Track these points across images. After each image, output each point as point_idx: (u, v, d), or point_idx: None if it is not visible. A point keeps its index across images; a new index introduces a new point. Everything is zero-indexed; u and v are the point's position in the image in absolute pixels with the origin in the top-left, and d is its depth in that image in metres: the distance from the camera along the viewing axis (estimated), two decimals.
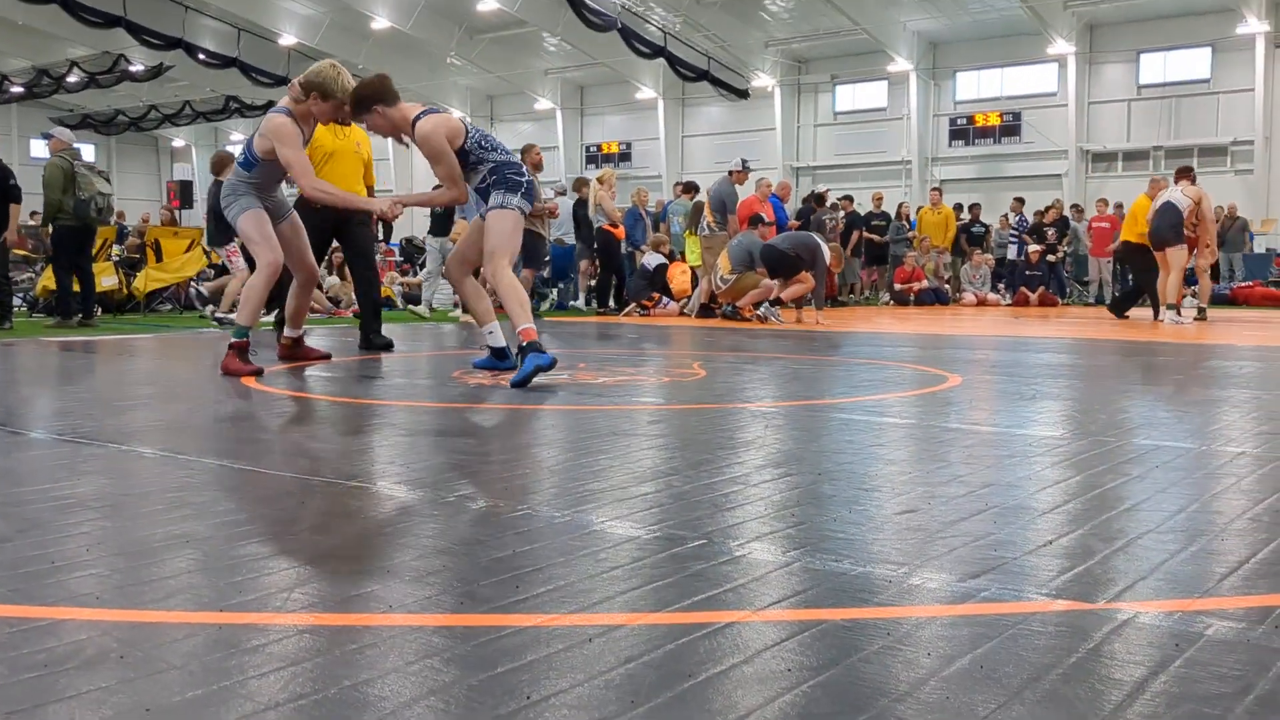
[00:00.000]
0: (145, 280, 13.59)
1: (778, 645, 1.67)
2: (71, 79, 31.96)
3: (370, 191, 8.07)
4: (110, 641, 1.70)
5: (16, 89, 34.13)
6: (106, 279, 12.84)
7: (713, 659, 1.61)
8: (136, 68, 31.73)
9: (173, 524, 2.49)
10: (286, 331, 6.72)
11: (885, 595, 1.94)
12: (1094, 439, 3.73)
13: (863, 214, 19.42)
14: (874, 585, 2.00)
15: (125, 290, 13.39)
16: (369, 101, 5.70)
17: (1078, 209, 21.33)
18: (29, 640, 1.71)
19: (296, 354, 6.70)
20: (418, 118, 5.64)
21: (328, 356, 6.77)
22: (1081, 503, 2.72)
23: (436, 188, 6.43)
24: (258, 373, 5.88)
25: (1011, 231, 19.95)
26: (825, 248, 12.12)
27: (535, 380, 5.37)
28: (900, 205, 20.83)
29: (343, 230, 7.83)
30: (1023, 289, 18.55)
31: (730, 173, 13.43)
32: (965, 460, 3.33)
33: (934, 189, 21.70)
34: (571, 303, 16.14)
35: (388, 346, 7.88)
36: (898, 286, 18.45)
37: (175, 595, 1.96)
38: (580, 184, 14.85)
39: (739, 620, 1.80)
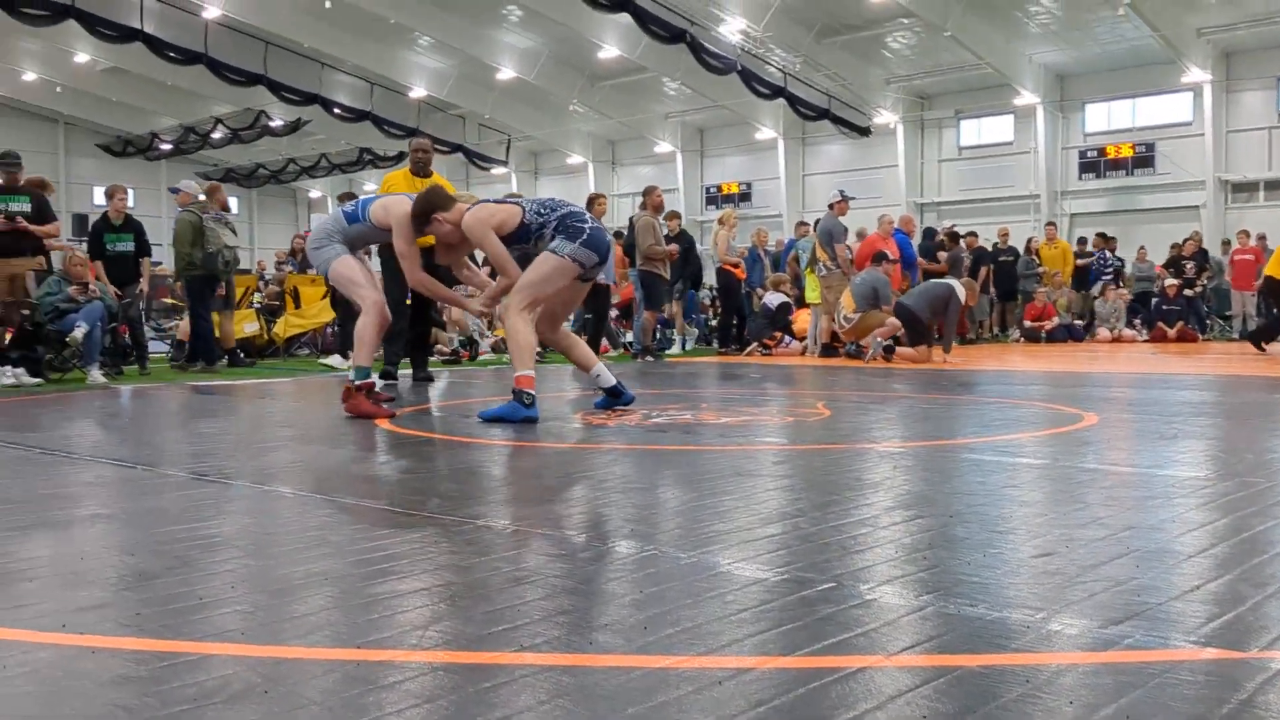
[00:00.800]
0: (285, 326, 14.11)
1: (912, 691, 1.64)
2: (216, 135, 33.55)
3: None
4: (254, 676, 1.75)
5: (166, 146, 35.97)
6: (249, 325, 13.37)
7: (845, 704, 1.58)
8: (276, 123, 33.13)
9: (312, 562, 2.57)
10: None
11: (1023, 641, 1.88)
12: (1240, 480, 3.56)
13: (990, 249, 19.04)
14: (1011, 631, 1.94)
15: (266, 336, 13.92)
16: (428, 213, 5.89)
17: (1227, 244, 20.50)
18: (179, 674, 1.78)
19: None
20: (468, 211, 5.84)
21: (392, 415, 6.69)
22: (1229, 546, 2.60)
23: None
24: (390, 415, 6.03)
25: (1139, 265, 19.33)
26: (959, 287, 11.89)
27: (657, 420, 5.39)
28: (1029, 240, 20.37)
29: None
30: (1160, 324, 17.91)
31: (831, 205, 13.30)
32: (1104, 502, 3.21)
33: (1049, 224, 21.17)
34: (686, 343, 16.18)
35: (429, 379, 8.88)
36: (1028, 323, 18.00)
37: (315, 632, 2.02)
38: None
39: (871, 665, 1.76)
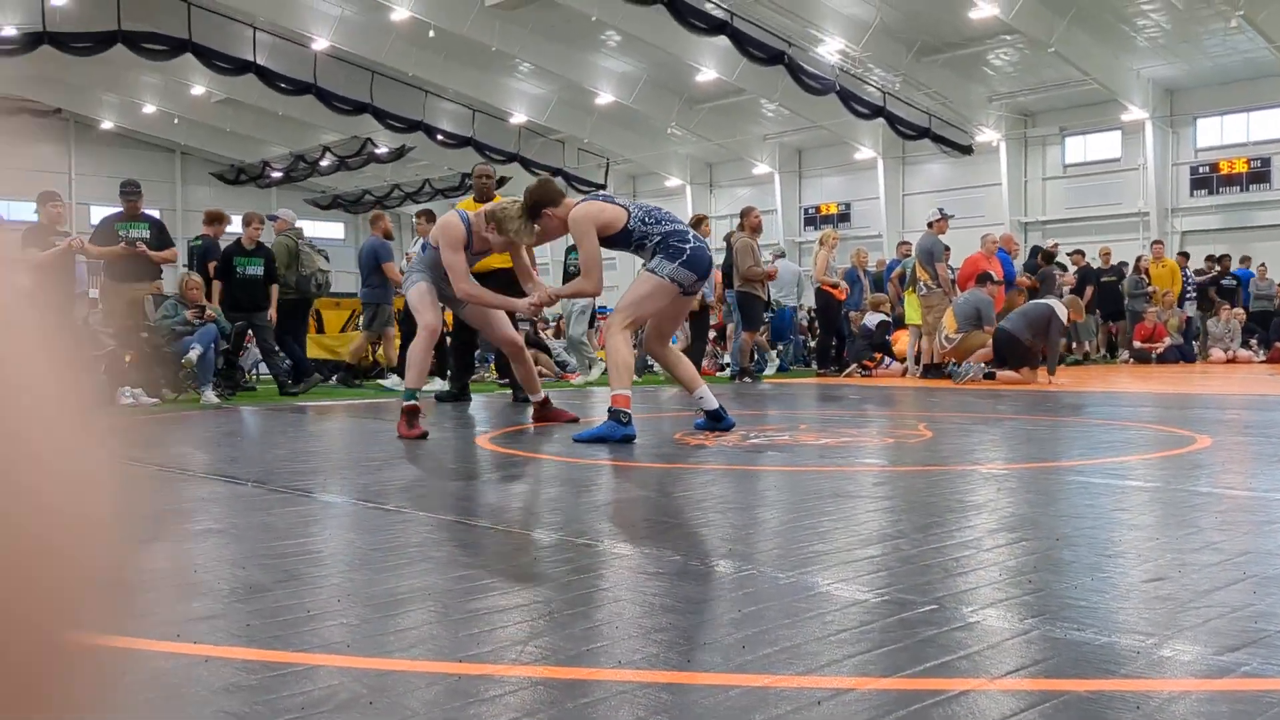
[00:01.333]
0: (394, 347, 14.39)
1: (1016, 715, 1.60)
2: (324, 163, 34.52)
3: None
4: (360, 687, 1.79)
5: (276, 174, 37.12)
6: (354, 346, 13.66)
7: None
8: (382, 150, 33.97)
9: (414, 577, 2.62)
10: (531, 398, 7.05)
11: (1133, 667, 1.83)
12: None
13: (1095, 268, 18.56)
14: (1120, 656, 1.89)
15: (371, 358, 14.22)
16: (539, 206, 5.94)
17: None
18: (287, 684, 1.83)
19: (547, 415, 6.96)
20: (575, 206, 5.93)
21: (575, 419, 6.95)
22: None
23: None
24: (422, 435, 6.10)
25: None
26: (1060, 307, 11.62)
27: (755, 441, 5.36)
28: (1138, 259, 19.80)
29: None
30: (1277, 345, 17.24)
31: (930, 224, 13.11)
32: (1219, 526, 3.11)
33: (1156, 242, 20.54)
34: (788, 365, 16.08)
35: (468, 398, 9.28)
36: (1138, 344, 17.50)
37: (418, 645, 2.06)
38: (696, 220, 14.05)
39: (974, 688, 1.73)
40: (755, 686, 1.75)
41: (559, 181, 6.75)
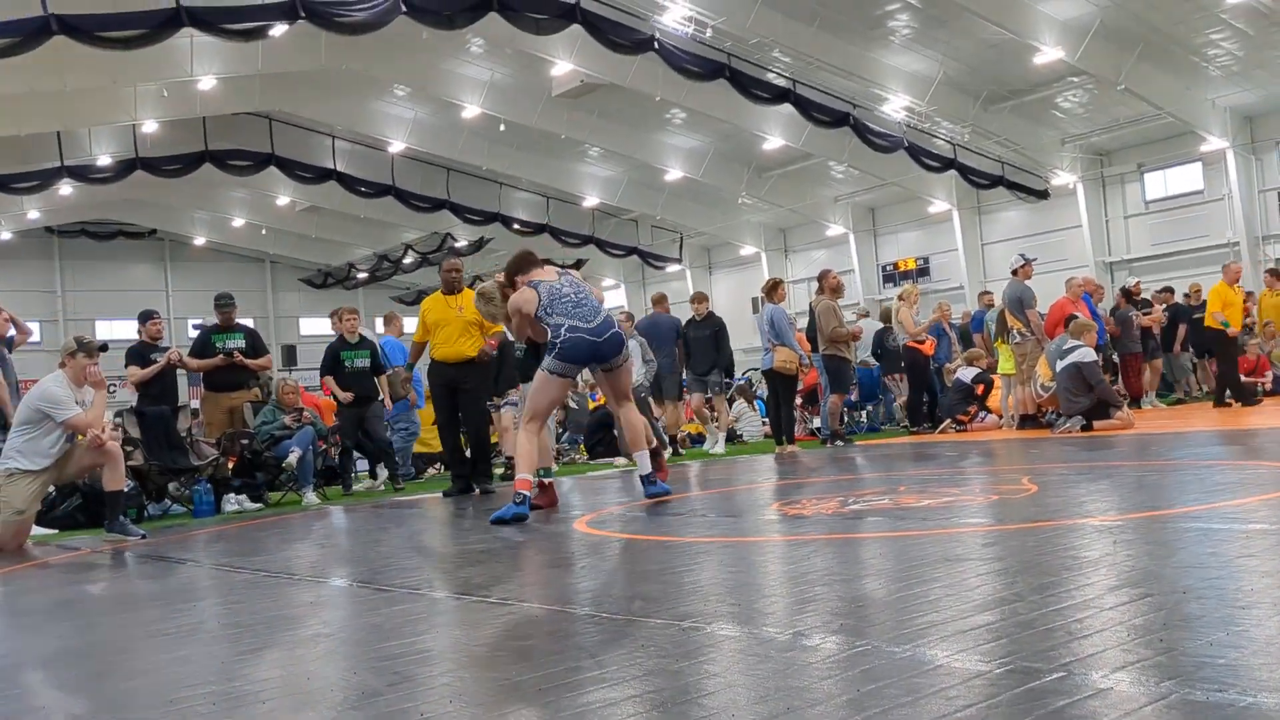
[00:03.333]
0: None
1: None
2: (406, 260, 35.35)
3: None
4: None
5: (362, 274, 38.10)
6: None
7: None
8: (461, 243, 34.70)
9: (523, 672, 2.59)
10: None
11: None
12: None
13: (1185, 305, 18.01)
14: (1269, 718, 1.78)
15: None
16: (512, 276, 6.78)
17: None
18: None
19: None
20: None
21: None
22: None
23: None
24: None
25: None
26: (1085, 352, 11.37)
27: (854, 507, 5.27)
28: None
29: (457, 391, 9.17)
30: None
31: (1014, 272, 12.90)
32: None
33: (1269, 270, 19.89)
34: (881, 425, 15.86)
35: (490, 492, 9.02)
36: (1241, 379, 16.90)
37: None
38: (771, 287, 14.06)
39: None
40: None
41: (536, 252, 7.16)
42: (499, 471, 10.37)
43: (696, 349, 12.97)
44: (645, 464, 6.68)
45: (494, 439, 11.20)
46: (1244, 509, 4.46)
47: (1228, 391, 14.13)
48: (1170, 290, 18.36)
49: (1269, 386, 16.59)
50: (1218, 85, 25.44)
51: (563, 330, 6.41)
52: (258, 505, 9.69)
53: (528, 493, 6.29)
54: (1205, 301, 18.05)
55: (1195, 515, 4.37)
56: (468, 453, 9.50)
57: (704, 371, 12.91)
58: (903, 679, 2.23)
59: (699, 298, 13.64)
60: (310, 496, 9.84)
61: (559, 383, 6.58)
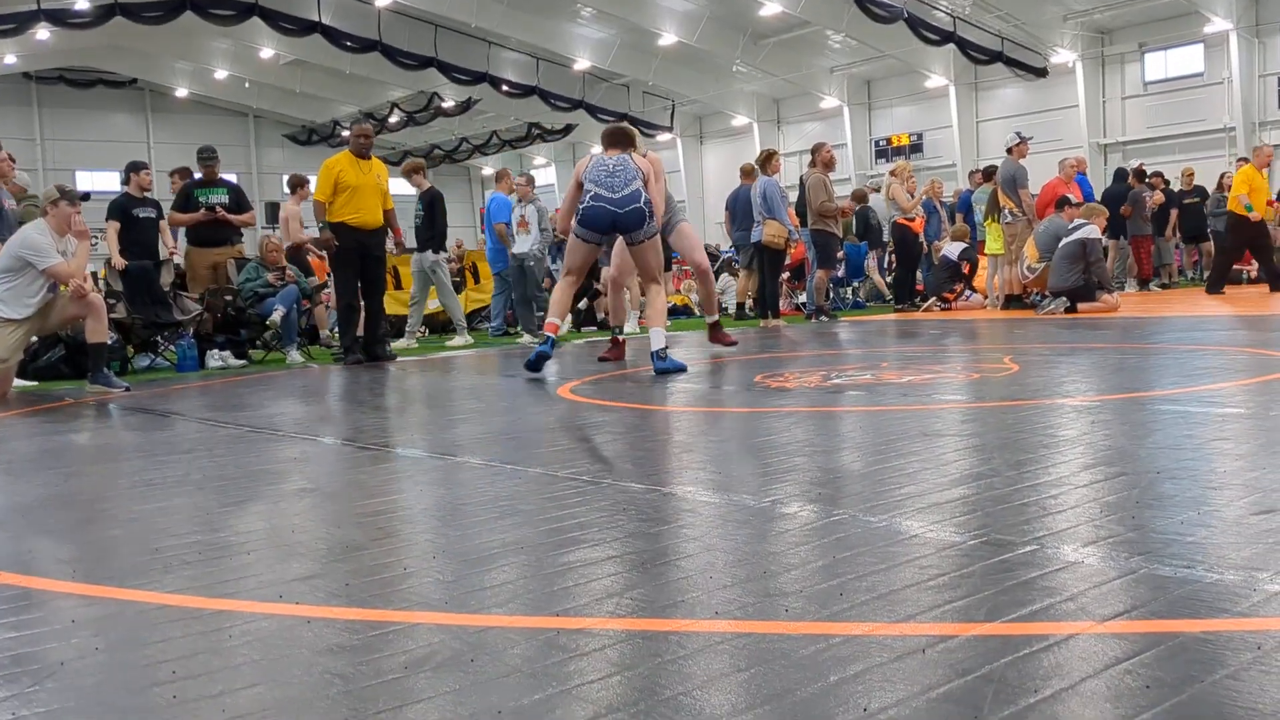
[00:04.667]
0: (465, 301, 14.50)
1: (1130, 660, 1.56)
2: (393, 119, 34.70)
3: (388, 217, 9.47)
4: (459, 644, 1.81)
5: (346, 133, 37.39)
6: (433, 301, 13.76)
7: (1058, 673, 1.52)
8: (448, 104, 34.05)
9: (505, 531, 2.63)
10: (707, 318, 8.47)
11: (1247, 605, 1.77)
12: None
13: (1175, 190, 17.91)
14: (1233, 594, 1.83)
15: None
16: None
17: None
18: (388, 643, 1.85)
19: (719, 338, 8.30)
20: None
21: (735, 342, 8.23)
22: None
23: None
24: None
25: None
26: (1090, 229, 11.34)
27: (837, 381, 5.31)
28: (1222, 176, 19.07)
29: (364, 259, 9.23)
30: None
31: (1009, 150, 12.74)
32: None
33: (1257, 148, 19.72)
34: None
35: (393, 357, 9.44)
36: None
37: (513, 600, 2.07)
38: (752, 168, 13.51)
39: (1082, 632, 1.69)
40: (856, 635, 1.73)
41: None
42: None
43: None
44: (658, 339, 6.65)
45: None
46: (1221, 393, 4.51)
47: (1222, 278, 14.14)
48: (1161, 175, 18.21)
49: (1254, 275, 16.63)
50: None
51: (588, 197, 6.81)
52: (241, 362, 9.70)
53: (553, 335, 6.92)
54: (1196, 187, 17.98)
55: (1173, 398, 4.42)
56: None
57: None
58: (877, 547, 2.27)
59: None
60: (294, 355, 9.85)
61: (582, 247, 7.02)
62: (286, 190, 13.13)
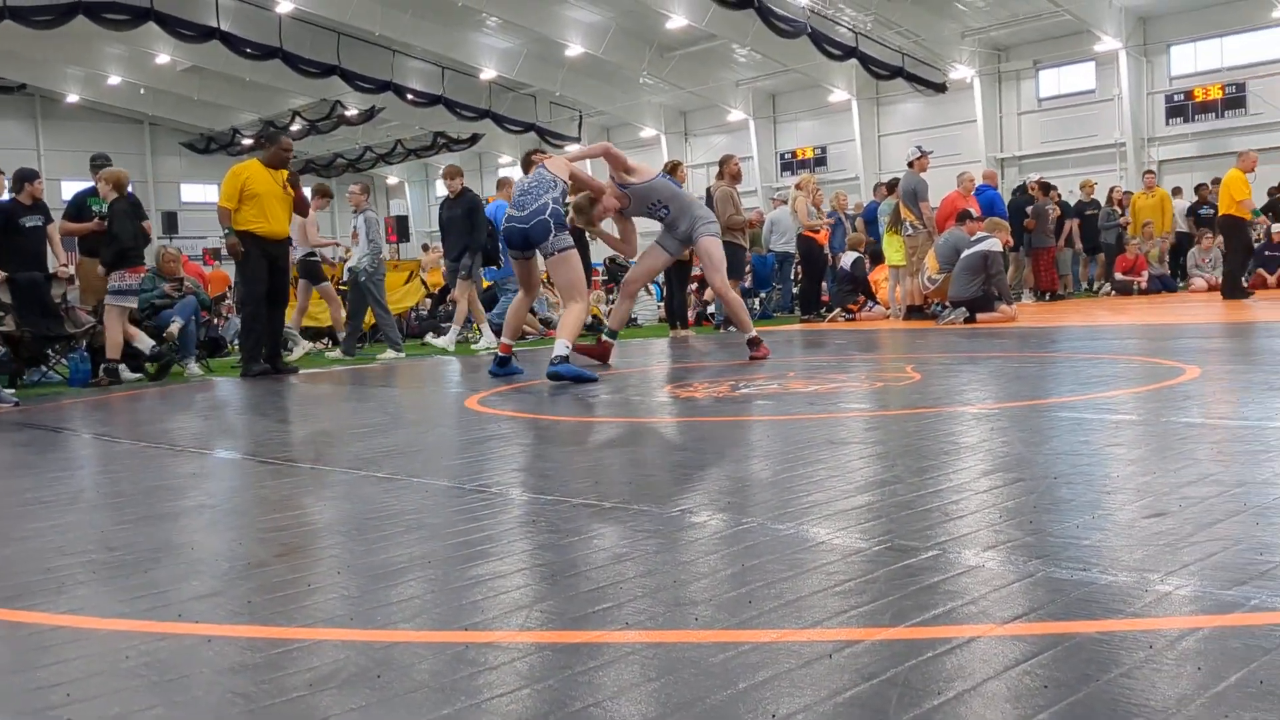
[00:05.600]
0: (369, 313, 14.29)
1: (1029, 661, 1.60)
2: (294, 127, 34.09)
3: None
4: (366, 661, 1.78)
5: (246, 140, 36.68)
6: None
7: (961, 675, 1.55)
8: (351, 112, 33.58)
9: (412, 545, 2.60)
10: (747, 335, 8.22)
11: (1140, 605, 1.83)
12: None
13: (1073, 203, 18.49)
14: (1127, 595, 1.89)
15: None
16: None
17: None
18: (293, 660, 1.81)
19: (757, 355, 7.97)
20: None
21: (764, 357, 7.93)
22: None
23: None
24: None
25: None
26: (992, 242, 11.69)
27: (745, 390, 5.36)
28: (1111, 190, 19.75)
29: (271, 270, 9.04)
30: (1260, 271, 17.28)
31: (910, 163, 13.03)
32: (1214, 458, 3.11)
33: (1146, 172, 20.48)
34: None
35: (294, 370, 9.35)
36: (1119, 276, 17.53)
37: (421, 615, 2.04)
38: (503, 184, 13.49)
39: (983, 635, 1.73)
40: (764, 642, 1.75)
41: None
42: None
43: (450, 230, 11.76)
44: (558, 348, 6.74)
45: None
46: (1114, 400, 4.66)
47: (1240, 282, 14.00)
48: (1055, 188, 18.75)
49: (1144, 285, 17.24)
50: None
51: (506, 216, 7.11)
52: (137, 375, 9.43)
53: (504, 355, 7.31)
54: (1095, 199, 18.58)
55: (1069, 405, 4.55)
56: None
57: (456, 256, 11.69)
58: (785, 555, 2.29)
59: (450, 172, 12.12)
60: (193, 367, 9.62)
61: (517, 264, 7.35)
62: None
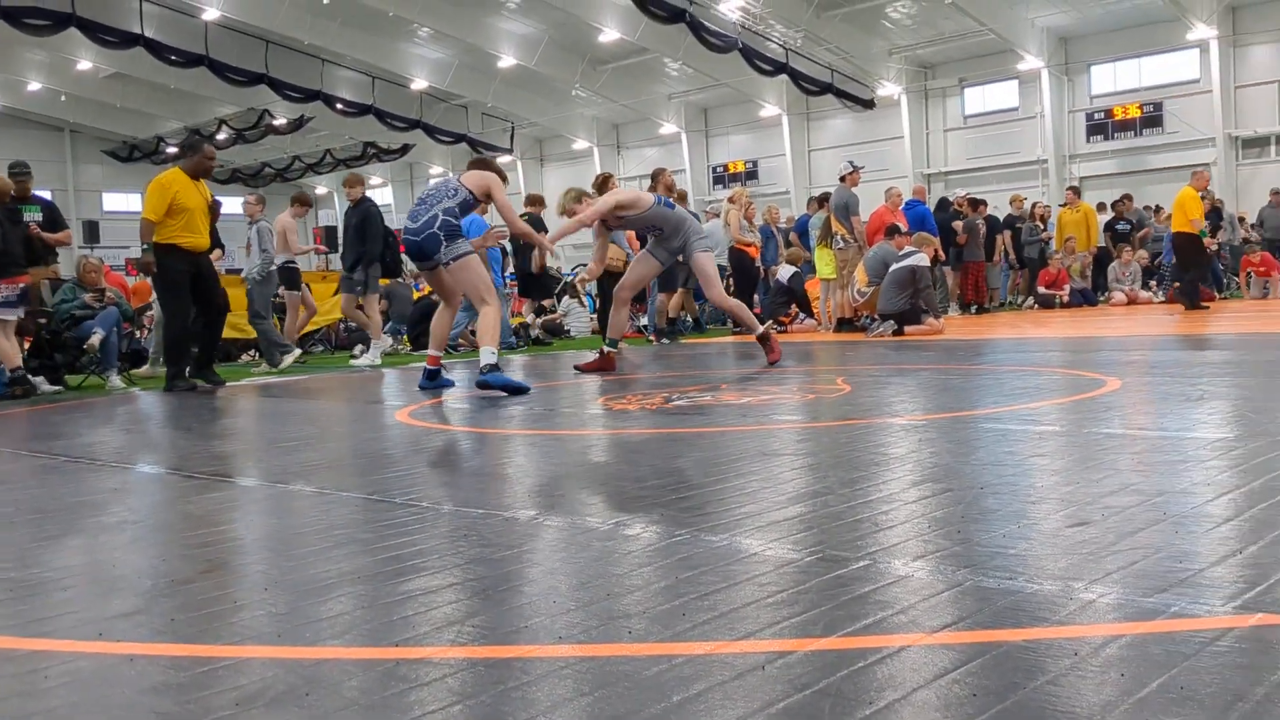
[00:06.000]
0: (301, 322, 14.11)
1: (958, 669, 1.62)
2: (221, 136, 33.57)
3: (214, 236, 9.36)
4: (294, 678, 1.75)
5: (171, 149, 36.02)
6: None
7: (891, 685, 1.57)
8: (279, 121, 33.16)
9: (341, 561, 2.56)
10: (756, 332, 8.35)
11: (1065, 613, 1.86)
12: (1271, 439, 3.53)
13: (1002, 218, 18.86)
14: (1052, 603, 1.92)
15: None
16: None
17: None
18: (218, 679, 1.77)
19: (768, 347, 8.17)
20: None
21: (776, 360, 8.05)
22: (1266, 509, 2.57)
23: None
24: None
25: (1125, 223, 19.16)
26: (919, 257, 11.90)
27: (678, 403, 5.37)
28: (1034, 205, 20.19)
29: (196, 283, 8.78)
30: (1176, 285, 17.74)
31: (842, 178, 13.21)
32: (1135, 468, 3.19)
33: (1070, 188, 20.99)
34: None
35: (221, 383, 9.05)
36: (1042, 290, 17.90)
37: (350, 631, 2.01)
38: (533, 199, 13.83)
39: (913, 644, 1.75)
40: (698, 654, 1.75)
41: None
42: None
43: (345, 240, 11.42)
44: (484, 356, 6.67)
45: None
46: (1038, 411, 4.75)
47: (1197, 294, 14.78)
48: (985, 202, 19.10)
49: (1066, 299, 17.62)
50: (1037, 5, 26.37)
51: (405, 229, 7.02)
52: (56, 388, 9.20)
53: (432, 367, 7.14)
54: (1023, 214, 18.98)
55: (994, 416, 4.63)
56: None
57: (350, 266, 11.30)
58: (719, 566, 2.30)
59: (349, 181, 11.87)
60: (114, 380, 9.40)
61: (425, 275, 7.28)
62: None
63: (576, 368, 8.30)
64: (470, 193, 6.82)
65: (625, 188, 7.78)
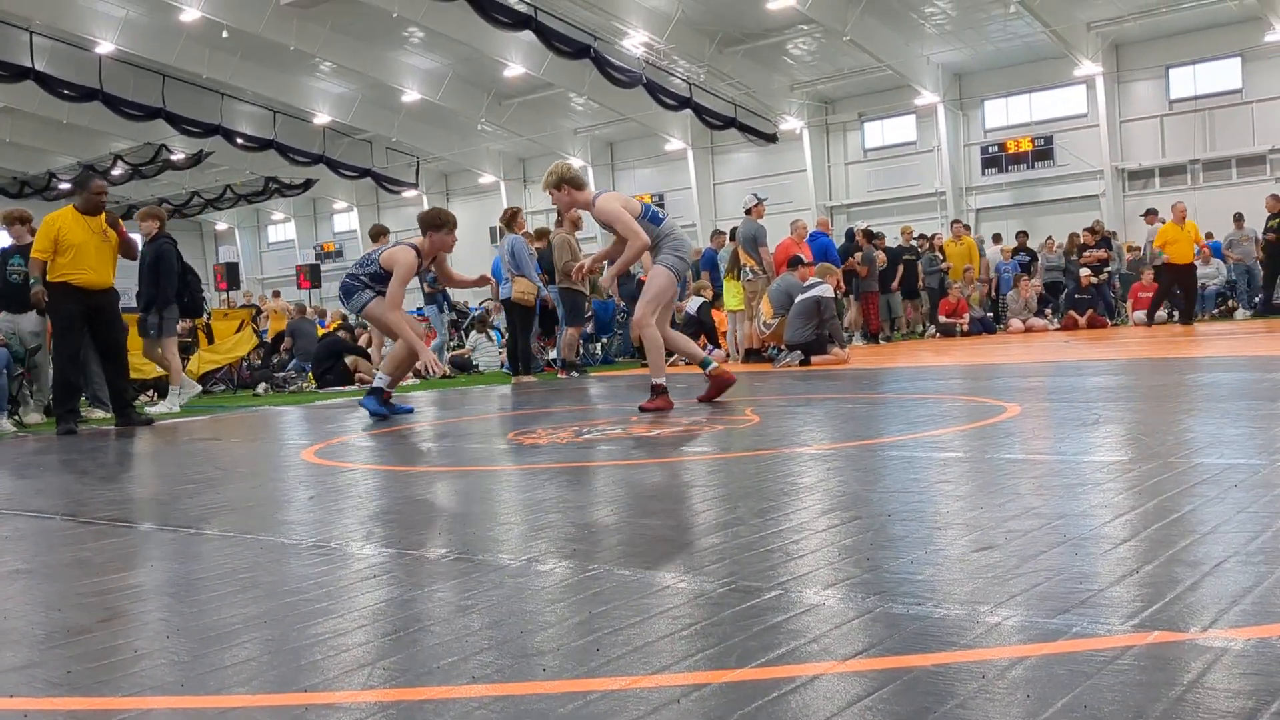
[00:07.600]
0: (199, 362, 13.80)
1: (870, 696, 1.64)
2: (116, 171, 32.73)
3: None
4: None
5: (64, 185, 35.02)
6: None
7: (805, 715, 1.58)
8: (177, 156, 32.49)
9: (246, 605, 2.50)
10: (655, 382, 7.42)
11: (972, 637, 1.90)
12: (1163, 461, 3.66)
13: (893, 248, 19.31)
14: (959, 628, 1.96)
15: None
16: (561, 182, 7.53)
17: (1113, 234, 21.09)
18: None
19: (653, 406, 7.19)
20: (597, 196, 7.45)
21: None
22: (1160, 529, 2.66)
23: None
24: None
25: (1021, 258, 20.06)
26: (823, 288, 12.14)
27: (588, 436, 5.37)
28: (933, 237, 20.74)
29: (94, 321, 8.71)
30: (1070, 313, 18.34)
31: (748, 210, 13.39)
32: (1036, 492, 3.27)
33: (955, 221, 21.66)
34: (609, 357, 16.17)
35: (149, 422, 8.91)
36: (943, 319, 18.33)
37: (258, 677, 1.96)
38: (541, 233, 13.95)
39: (826, 672, 1.76)
40: (612, 690, 1.74)
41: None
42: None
43: (140, 280, 10.25)
44: (378, 380, 7.98)
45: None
46: (942, 439, 4.85)
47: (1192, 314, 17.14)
48: (882, 235, 19.54)
49: (966, 328, 18.06)
50: (932, 42, 27.14)
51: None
52: None
53: (384, 396, 7.85)
54: (911, 245, 19.45)
55: (900, 444, 4.72)
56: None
57: (144, 307, 10.19)
58: (632, 600, 2.30)
59: (142, 214, 10.74)
60: (4, 423, 9.07)
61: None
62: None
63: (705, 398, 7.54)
64: (380, 267, 7.84)
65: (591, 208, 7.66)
